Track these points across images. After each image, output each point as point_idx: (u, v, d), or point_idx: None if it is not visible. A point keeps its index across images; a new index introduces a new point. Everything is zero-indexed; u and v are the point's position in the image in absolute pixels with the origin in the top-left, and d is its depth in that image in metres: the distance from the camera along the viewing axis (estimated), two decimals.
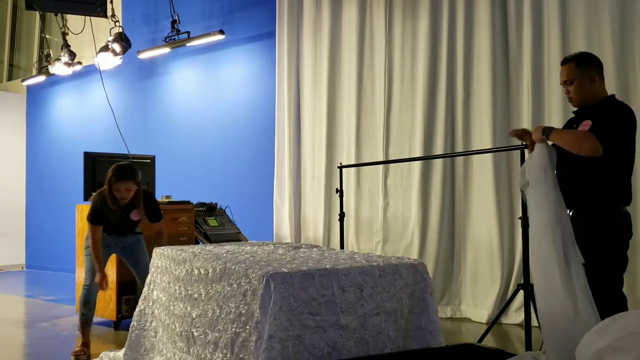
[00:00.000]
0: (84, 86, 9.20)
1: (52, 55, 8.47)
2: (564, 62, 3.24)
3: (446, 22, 5.47)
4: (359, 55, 6.07)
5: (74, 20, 7.64)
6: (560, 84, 3.26)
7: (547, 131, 2.99)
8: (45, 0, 6.12)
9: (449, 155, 5.37)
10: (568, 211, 2.93)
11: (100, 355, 3.90)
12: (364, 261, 2.91)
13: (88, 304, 4.29)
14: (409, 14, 5.73)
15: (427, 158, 5.41)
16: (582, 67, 3.14)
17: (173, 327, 3.32)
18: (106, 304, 5.09)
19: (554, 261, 2.86)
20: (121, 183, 4.18)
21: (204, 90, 7.76)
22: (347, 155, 6.12)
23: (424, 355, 2.67)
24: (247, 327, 2.64)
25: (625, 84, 4.50)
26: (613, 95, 3.17)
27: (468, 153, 5.19)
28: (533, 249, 3.01)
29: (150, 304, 3.70)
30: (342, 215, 5.11)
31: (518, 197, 4.66)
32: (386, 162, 5.69)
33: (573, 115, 3.24)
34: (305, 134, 6.58)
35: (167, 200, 5.66)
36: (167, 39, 7.39)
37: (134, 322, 3.75)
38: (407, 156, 5.61)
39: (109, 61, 6.59)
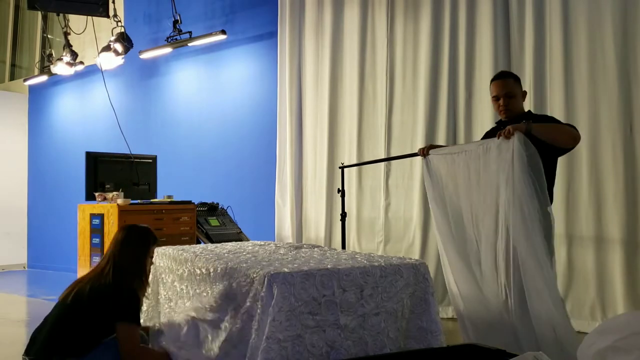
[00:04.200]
0: (86, 86, 9.20)
1: (54, 55, 8.46)
2: (501, 77, 3.51)
3: (448, 22, 5.46)
4: (360, 55, 6.06)
5: (76, 20, 7.65)
6: (497, 96, 3.46)
7: (530, 124, 3.18)
8: (48, 0, 6.13)
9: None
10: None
11: None
12: (365, 261, 2.91)
13: None
14: (411, 14, 5.73)
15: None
16: (518, 83, 3.47)
17: (174, 326, 3.33)
18: None
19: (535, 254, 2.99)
20: (155, 246, 3.31)
21: (205, 90, 7.76)
22: (348, 155, 6.12)
23: (425, 356, 2.67)
24: (248, 327, 2.64)
25: (627, 84, 4.49)
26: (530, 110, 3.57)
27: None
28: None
29: (154, 303, 3.71)
30: (343, 215, 5.11)
31: None
32: (387, 159, 5.69)
33: (495, 125, 3.57)
34: (306, 134, 6.57)
35: (169, 200, 5.66)
36: (169, 39, 7.38)
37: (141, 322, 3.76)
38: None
39: (110, 61, 6.59)
